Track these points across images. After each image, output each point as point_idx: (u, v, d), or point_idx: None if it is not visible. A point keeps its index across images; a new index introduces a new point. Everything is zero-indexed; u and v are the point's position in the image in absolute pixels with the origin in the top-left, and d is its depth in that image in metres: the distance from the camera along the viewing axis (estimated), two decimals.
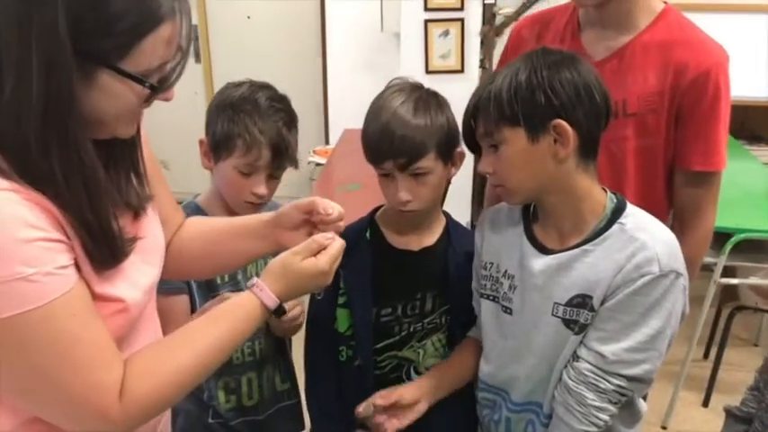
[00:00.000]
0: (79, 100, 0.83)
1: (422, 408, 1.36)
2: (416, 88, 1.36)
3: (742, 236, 2.58)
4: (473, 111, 1.25)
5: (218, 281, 1.50)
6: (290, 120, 1.49)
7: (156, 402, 0.94)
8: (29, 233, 0.80)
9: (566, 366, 1.22)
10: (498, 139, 1.21)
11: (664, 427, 2.83)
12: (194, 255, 1.24)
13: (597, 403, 1.18)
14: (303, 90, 4.76)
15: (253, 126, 1.42)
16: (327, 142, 4.65)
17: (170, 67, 0.90)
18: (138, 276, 0.97)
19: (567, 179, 1.21)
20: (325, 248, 1.07)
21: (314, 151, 4.29)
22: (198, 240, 1.24)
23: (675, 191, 1.56)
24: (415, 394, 1.36)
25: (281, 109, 1.48)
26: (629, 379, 1.18)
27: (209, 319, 1.02)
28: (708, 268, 2.71)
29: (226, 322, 1.01)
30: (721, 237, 2.60)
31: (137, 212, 1.01)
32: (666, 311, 1.16)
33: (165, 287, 1.25)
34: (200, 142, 1.50)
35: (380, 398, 1.34)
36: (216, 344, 0.99)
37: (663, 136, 1.51)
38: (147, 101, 0.92)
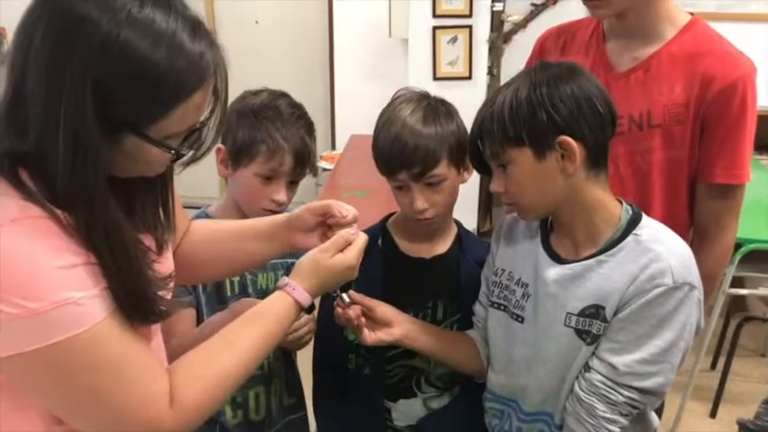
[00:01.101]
0: (106, 164, 0.84)
1: (394, 332, 1.31)
2: (424, 97, 1.36)
3: (751, 246, 2.57)
4: (478, 132, 1.25)
5: (228, 293, 1.49)
6: (310, 127, 1.50)
7: (205, 406, 0.96)
8: (70, 260, 0.82)
9: (577, 377, 1.22)
10: (505, 159, 1.21)
11: None
12: (203, 258, 1.24)
13: (608, 415, 1.18)
14: (310, 95, 4.76)
15: (276, 132, 1.42)
16: (334, 148, 4.66)
17: (198, 125, 0.91)
18: None
19: (578, 191, 1.20)
20: (351, 243, 1.11)
21: (321, 156, 4.30)
22: (206, 244, 1.24)
23: (697, 203, 1.54)
24: (394, 317, 1.32)
25: (301, 116, 1.49)
26: (641, 391, 1.17)
27: (245, 322, 1.03)
28: None
29: (262, 323, 1.03)
30: None
31: (160, 246, 1.01)
32: (680, 324, 1.15)
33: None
34: (218, 150, 1.49)
35: (357, 296, 1.29)
36: (255, 345, 1.01)
37: (688, 148, 1.50)
38: (185, 162, 0.93)
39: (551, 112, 1.15)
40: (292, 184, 1.50)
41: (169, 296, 0.96)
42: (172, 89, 0.83)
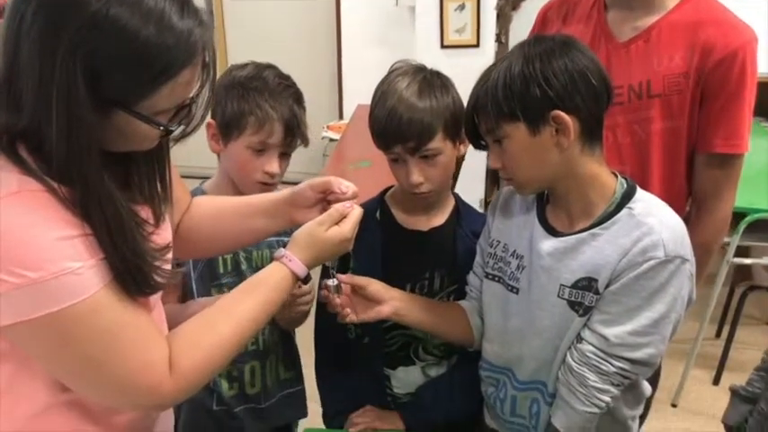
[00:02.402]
0: (98, 138, 0.85)
1: (383, 311, 1.33)
2: (420, 70, 1.36)
3: (756, 216, 2.56)
4: (473, 108, 1.25)
5: (221, 269, 1.50)
6: (299, 97, 1.50)
7: (203, 373, 0.99)
8: (68, 231, 0.84)
9: (569, 348, 1.24)
10: (500, 134, 1.21)
11: (674, 405, 2.84)
12: (205, 234, 1.26)
13: (599, 385, 1.20)
14: (317, 65, 4.74)
15: (264, 103, 1.42)
16: (341, 117, 4.65)
17: (188, 101, 0.92)
18: None
19: (573, 165, 1.21)
20: (346, 216, 1.13)
21: (327, 126, 4.29)
22: (208, 220, 1.26)
23: (696, 173, 1.55)
24: (385, 293, 1.35)
25: (289, 86, 1.48)
26: (632, 362, 1.19)
27: (243, 292, 1.06)
28: (721, 247, 2.71)
29: (260, 293, 1.06)
30: (735, 216, 2.56)
31: (157, 217, 1.03)
32: (671, 296, 1.17)
33: None
34: (208, 125, 1.48)
35: (346, 277, 1.32)
36: (253, 314, 1.04)
37: (687, 118, 1.50)
38: (176, 138, 0.95)
39: (544, 87, 1.15)
40: (284, 156, 1.49)
41: (166, 266, 0.98)
42: (160, 66, 0.84)
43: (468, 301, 1.44)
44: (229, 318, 1.02)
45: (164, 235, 1.03)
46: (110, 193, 0.87)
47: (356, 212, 1.15)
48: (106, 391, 0.94)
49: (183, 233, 1.23)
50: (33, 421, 0.94)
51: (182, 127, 0.95)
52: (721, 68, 1.43)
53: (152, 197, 1.02)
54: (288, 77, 1.50)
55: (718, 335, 3.21)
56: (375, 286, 1.34)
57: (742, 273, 3.27)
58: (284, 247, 1.12)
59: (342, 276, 1.31)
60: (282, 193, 1.24)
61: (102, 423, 0.99)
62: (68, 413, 0.96)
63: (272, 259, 1.11)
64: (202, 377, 0.99)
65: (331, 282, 1.27)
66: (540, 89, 1.15)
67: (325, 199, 1.19)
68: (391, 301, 1.35)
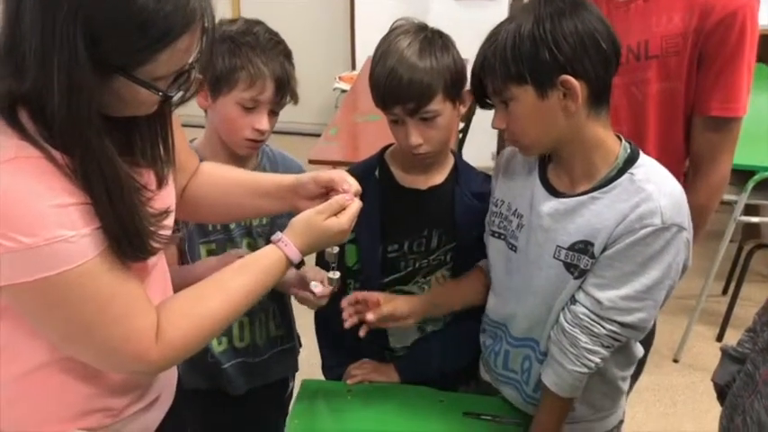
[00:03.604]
0: (98, 102, 0.86)
1: (408, 323, 1.42)
2: (421, 29, 1.35)
3: (765, 174, 2.54)
4: (480, 68, 1.23)
5: (210, 227, 1.52)
6: (289, 54, 1.48)
7: (190, 344, 1.02)
8: (64, 199, 0.85)
9: (563, 309, 1.26)
10: (507, 96, 1.20)
11: (675, 360, 2.87)
12: (208, 202, 1.28)
13: (589, 346, 1.22)
14: (329, 15, 4.69)
15: (256, 58, 1.40)
16: (354, 68, 4.61)
17: (187, 67, 0.92)
18: None
19: (579, 130, 1.20)
20: (345, 208, 1.14)
21: (339, 77, 4.26)
22: (213, 189, 1.28)
23: (693, 136, 1.54)
24: (404, 311, 1.41)
25: (279, 43, 1.47)
26: (623, 325, 1.21)
27: (237, 269, 1.08)
28: (729, 205, 2.70)
29: (253, 272, 1.08)
30: (743, 174, 2.57)
31: (160, 180, 1.04)
32: (666, 264, 1.18)
33: None
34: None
35: (372, 314, 1.38)
36: (243, 291, 1.06)
37: (684, 80, 1.48)
38: (175, 103, 0.95)
39: (554, 51, 1.13)
40: (272, 114, 1.48)
41: (164, 232, 0.99)
42: (159, 32, 0.84)
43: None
44: (220, 292, 1.05)
45: (165, 199, 1.04)
46: (110, 157, 0.88)
47: (355, 205, 1.15)
48: (94, 355, 0.97)
49: (187, 197, 1.25)
50: (30, 377, 0.98)
51: (180, 92, 0.95)
52: (720, 29, 1.41)
53: (155, 160, 1.03)
54: (277, 34, 1.49)
55: (724, 292, 3.22)
56: (394, 305, 1.40)
57: (751, 230, 3.26)
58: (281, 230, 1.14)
59: (358, 294, 1.38)
60: (287, 178, 1.25)
61: (97, 382, 1.02)
62: (65, 371, 0.99)
63: (264, 224, 1.12)
64: (189, 347, 1.02)
65: (331, 274, 1.29)
66: (550, 53, 1.13)
67: (328, 194, 1.20)
68: (415, 315, 1.42)
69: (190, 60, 0.92)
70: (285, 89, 1.46)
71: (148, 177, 1.02)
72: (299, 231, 1.12)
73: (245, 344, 1.61)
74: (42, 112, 0.84)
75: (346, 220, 1.13)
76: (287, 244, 1.10)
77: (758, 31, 1.44)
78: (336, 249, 1.25)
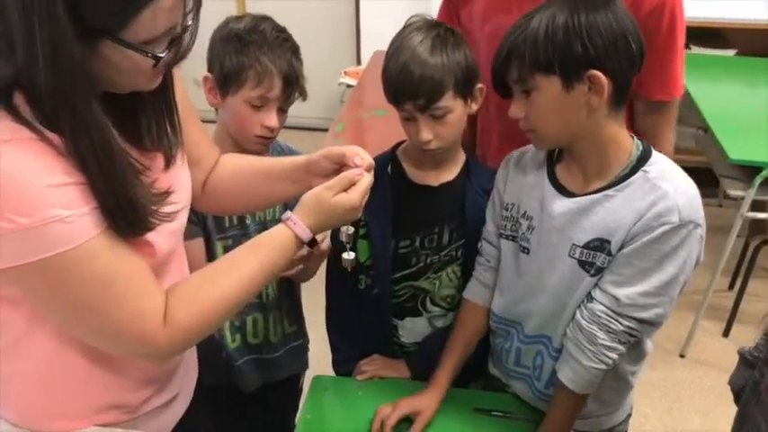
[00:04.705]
0: (87, 71, 0.84)
1: (427, 418, 1.40)
2: (434, 26, 1.35)
3: None
4: (507, 54, 1.21)
5: (227, 224, 1.52)
6: (296, 50, 1.48)
7: (200, 327, 0.99)
8: (60, 178, 0.84)
9: (579, 306, 1.26)
10: (531, 85, 1.19)
11: (682, 356, 2.87)
12: (229, 193, 1.27)
13: (607, 343, 1.22)
14: (335, 9, 4.68)
15: (263, 56, 1.40)
16: (359, 63, 4.60)
17: (180, 29, 0.89)
18: (166, 224, 0.99)
19: (597, 127, 1.20)
20: (355, 184, 1.10)
21: (345, 72, 4.26)
22: (233, 179, 1.27)
23: (636, 118, 1.57)
24: (417, 407, 1.41)
25: (287, 39, 1.46)
26: (641, 321, 1.22)
27: (246, 250, 1.06)
28: (736, 201, 2.70)
29: (263, 252, 1.05)
30: (750, 171, 2.57)
31: (168, 161, 1.03)
32: (681, 260, 1.18)
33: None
34: (205, 79, 1.46)
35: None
36: (254, 273, 1.03)
37: None
38: (163, 66, 0.91)
39: (587, 44, 1.13)
40: (281, 111, 1.48)
41: (167, 209, 0.97)
42: None
43: (478, 280, 1.45)
44: (230, 274, 1.02)
45: (170, 181, 1.02)
46: (101, 129, 0.86)
47: (366, 180, 1.11)
48: (100, 338, 0.96)
49: (209, 190, 1.24)
50: (43, 368, 0.98)
51: (170, 54, 0.90)
52: (652, 19, 1.42)
53: (161, 141, 1.02)
54: (284, 30, 1.48)
55: (731, 287, 3.22)
56: (408, 405, 1.40)
57: (758, 226, 3.25)
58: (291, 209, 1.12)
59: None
60: (300, 159, 1.22)
61: (113, 375, 1.03)
62: (82, 357, 0.99)
63: (278, 219, 1.11)
64: (199, 330, 1.00)
65: (347, 255, 1.24)
66: (583, 45, 1.13)
67: (341, 170, 1.16)
68: (428, 410, 1.40)
69: (179, 21, 0.89)
70: (293, 86, 1.46)
71: (156, 160, 1.01)
72: (309, 209, 1.08)
73: (259, 341, 1.61)
74: (35, 92, 0.82)
75: (357, 195, 1.09)
76: (296, 222, 1.07)
77: (684, 17, 1.47)
78: (351, 230, 1.22)
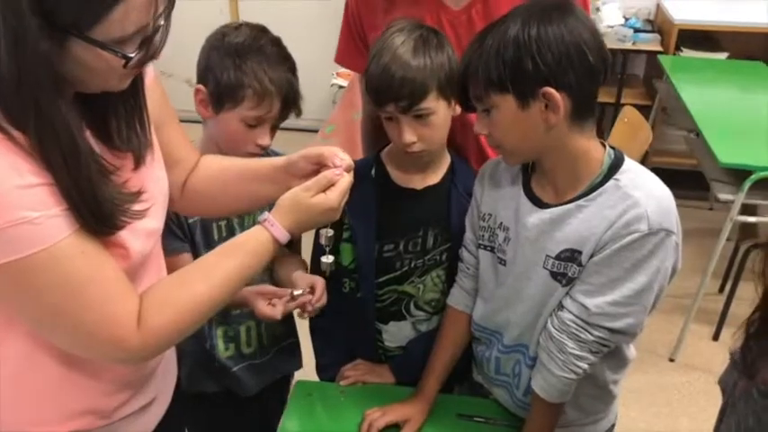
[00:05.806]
0: (53, 69, 0.82)
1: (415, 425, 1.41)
2: (417, 27, 1.34)
3: (762, 174, 2.53)
4: (464, 73, 1.21)
5: (216, 236, 1.49)
6: (294, 67, 1.45)
7: (173, 331, 0.98)
8: (29, 179, 0.82)
9: (551, 315, 1.25)
10: (488, 103, 1.18)
11: (671, 360, 2.86)
12: (209, 195, 1.25)
13: (577, 352, 1.21)
14: (328, 10, 4.66)
15: (263, 75, 1.36)
16: None
17: (152, 29, 0.87)
18: (139, 225, 0.97)
19: (561, 141, 1.18)
20: (334, 184, 1.08)
21: (337, 74, 4.24)
22: (212, 181, 1.25)
23: None
24: (408, 415, 1.42)
25: (286, 57, 1.43)
26: (611, 331, 1.20)
27: (222, 253, 1.04)
28: (725, 204, 2.70)
29: (239, 255, 1.04)
30: (741, 174, 2.57)
31: (137, 161, 1.01)
32: (654, 268, 1.16)
33: (169, 248, 1.26)
34: (197, 91, 1.43)
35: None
36: (230, 276, 1.02)
37: None
38: (133, 66, 0.89)
39: (537, 61, 1.10)
40: (274, 128, 1.46)
41: (137, 207, 0.95)
42: None
43: (460, 286, 1.44)
44: (205, 277, 1.01)
45: (141, 182, 1.00)
46: (66, 125, 0.84)
47: (345, 180, 1.09)
48: (72, 342, 0.94)
49: (188, 192, 1.22)
50: (22, 366, 0.97)
51: (141, 53, 0.88)
52: None
53: (130, 141, 1.00)
54: (281, 43, 1.44)
55: (721, 290, 3.22)
56: (398, 413, 1.41)
57: (748, 230, 3.25)
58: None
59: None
60: (279, 160, 1.20)
61: (87, 380, 1.01)
62: (56, 360, 0.98)
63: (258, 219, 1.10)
64: (172, 335, 0.99)
65: (325, 258, 1.24)
66: (533, 62, 1.10)
67: (320, 171, 1.14)
68: (416, 419, 1.41)
69: (151, 21, 0.86)
70: (291, 106, 1.43)
71: (127, 160, 1.00)
72: (286, 210, 1.06)
73: (253, 349, 1.60)
74: (2, 90, 0.80)
75: (335, 196, 1.07)
76: (273, 224, 1.05)
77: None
78: (331, 233, 1.21)
